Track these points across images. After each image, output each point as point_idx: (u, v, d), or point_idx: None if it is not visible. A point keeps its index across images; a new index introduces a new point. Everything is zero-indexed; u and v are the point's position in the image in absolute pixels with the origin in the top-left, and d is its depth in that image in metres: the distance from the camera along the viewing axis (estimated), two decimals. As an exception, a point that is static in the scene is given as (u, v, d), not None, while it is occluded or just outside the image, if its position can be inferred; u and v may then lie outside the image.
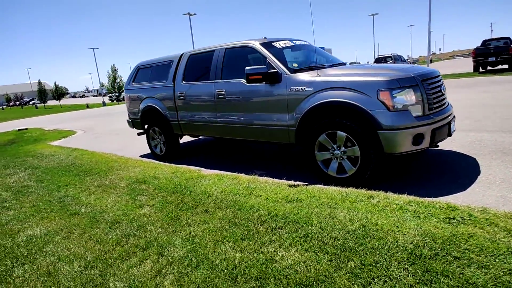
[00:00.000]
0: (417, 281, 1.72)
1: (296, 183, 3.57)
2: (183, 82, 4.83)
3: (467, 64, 24.17)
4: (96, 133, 10.67)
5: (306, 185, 3.46)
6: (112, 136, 9.54)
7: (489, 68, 17.39)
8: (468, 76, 16.04)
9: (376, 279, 1.77)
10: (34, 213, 3.54)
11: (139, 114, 5.70)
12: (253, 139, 4.16)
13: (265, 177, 3.89)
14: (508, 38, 16.89)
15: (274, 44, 4.01)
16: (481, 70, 17.41)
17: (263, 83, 3.76)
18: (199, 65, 4.67)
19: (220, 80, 4.27)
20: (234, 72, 4.20)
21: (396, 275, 1.78)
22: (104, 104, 32.68)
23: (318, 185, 3.42)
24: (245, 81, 3.97)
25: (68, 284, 2.10)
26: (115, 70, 36.29)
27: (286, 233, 2.42)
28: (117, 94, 36.47)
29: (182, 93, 4.81)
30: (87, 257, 2.42)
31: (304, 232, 2.39)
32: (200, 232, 2.64)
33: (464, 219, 2.31)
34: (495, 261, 1.76)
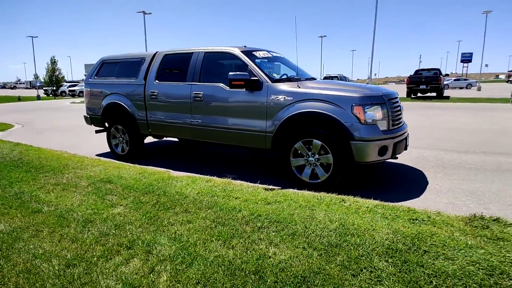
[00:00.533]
0: (398, 270, 1.97)
1: (271, 187, 3.74)
2: (156, 81, 4.72)
3: (400, 90, 27.17)
4: (38, 128, 9.68)
5: (281, 189, 3.64)
6: (57, 132, 8.74)
7: (419, 94, 19.81)
8: (402, 101, 18.06)
9: (364, 270, 1.99)
10: (-14, 210, 3.16)
11: (101, 110, 5.38)
12: (227, 143, 4.23)
13: (239, 181, 3.98)
14: (438, 69, 19.49)
15: (254, 53, 4.18)
16: (412, 96, 19.76)
17: (244, 89, 3.89)
18: (175, 65, 4.63)
19: (198, 83, 4.29)
20: (212, 76, 4.26)
21: (379, 266, 2.02)
22: (38, 97, 29.49)
23: (292, 189, 3.63)
24: (225, 86, 4.07)
25: (53, 281, 1.95)
26: (54, 62, 33.06)
27: (273, 232, 2.55)
28: (54, 88, 33.20)
29: (154, 92, 4.69)
30: (66, 256, 2.26)
31: (290, 230, 2.54)
32: (185, 231, 2.63)
33: (424, 220, 2.68)
34: (458, 254, 2.11)
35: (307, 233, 2.49)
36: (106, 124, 5.51)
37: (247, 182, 3.95)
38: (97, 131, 5.99)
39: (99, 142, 7.10)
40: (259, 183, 3.86)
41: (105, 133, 5.53)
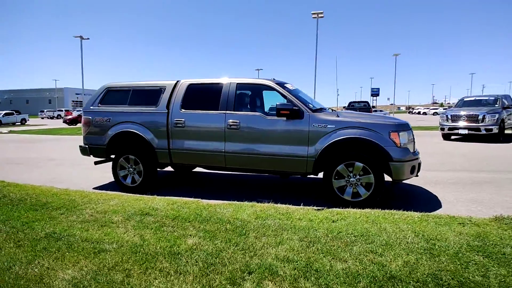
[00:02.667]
0: (490, 262, 2.48)
1: (315, 208, 4.00)
2: (183, 110, 4.69)
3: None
4: (-23, 163, 8.18)
5: (326, 208, 3.94)
6: (12, 166, 7.54)
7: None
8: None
9: (471, 263, 2.43)
10: (40, 254, 2.75)
11: (107, 139, 5.02)
12: (265, 169, 4.41)
13: (281, 204, 4.15)
14: (367, 101, 22.77)
15: (286, 85, 4.57)
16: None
17: (284, 118, 4.20)
18: (202, 95, 4.71)
19: (233, 112, 4.45)
20: (246, 106, 4.50)
21: (478, 259, 2.49)
22: None
23: (336, 208, 3.94)
24: (263, 114, 4.34)
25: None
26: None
27: (368, 244, 2.83)
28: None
29: (181, 120, 4.64)
30: None
31: (382, 241, 2.86)
32: (287, 252, 2.74)
33: (468, 223, 3.30)
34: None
35: (398, 242, 2.85)
36: (111, 155, 5.15)
37: (286, 205, 4.15)
38: (97, 162, 5.49)
39: (79, 174, 6.47)
40: (302, 205, 4.10)
41: (112, 164, 5.13)
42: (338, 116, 4.11)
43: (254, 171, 4.51)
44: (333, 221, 3.44)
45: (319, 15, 22.61)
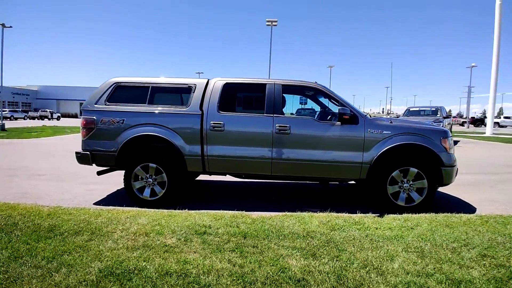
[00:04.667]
0: None
1: (375, 215, 3.90)
2: (220, 111, 4.14)
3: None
4: None
5: (384, 214, 3.88)
6: None
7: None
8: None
9: None
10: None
11: (119, 145, 4.15)
12: (316, 176, 4.14)
13: (336, 213, 3.94)
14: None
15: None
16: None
17: (339, 123, 4.03)
18: (241, 95, 4.25)
19: (281, 115, 4.09)
20: (295, 109, 4.19)
21: None
22: None
23: (392, 215, 3.90)
24: (315, 119, 4.10)
25: None
26: None
27: (467, 248, 2.83)
28: None
29: (219, 123, 4.08)
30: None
31: (475, 243, 2.90)
32: (419, 265, 2.56)
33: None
34: None
35: (497, 243, 2.93)
36: (124, 164, 4.27)
37: (343, 213, 3.97)
38: (101, 172, 4.50)
39: (49, 187, 5.25)
40: (359, 213, 3.96)
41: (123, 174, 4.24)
42: (392, 122, 4.12)
43: (301, 179, 4.23)
44: (411, 228, 3.38)
45: (273, 23, 23.18)
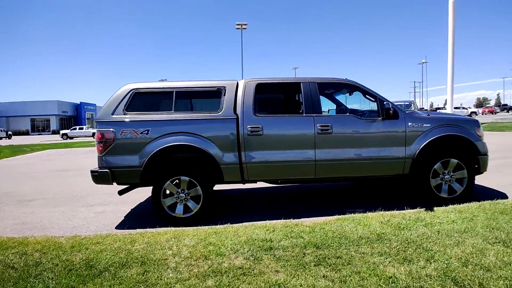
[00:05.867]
0: None
1: (421, 209, 3.83)
2: (257, 114, 3.82)
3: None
4: None
5: (430, 209, 3.83)
6: None
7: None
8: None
9: None
10: None
11: (144, 159, 3.67)
12: (360, 175, 3.97)
13: (384, 211, 3.82)
14: None
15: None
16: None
17: (380, 119, 3.92)
18: (275, 96, 3.97)
19: (321, 115, 3.88)
20: (338, 106, 4.01)
21: None
22: None
23: (442, 207, 3.86)
24: (355, 116, 3.96)
25: None
26: None
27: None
28: None
29: (257, 127, 3.76)
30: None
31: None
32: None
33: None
34: None
35: None
36: (150, 179, 3.79)
37: (391, 211, 3.86)
38: (122, 192, 3.95)
39: (50, 214, 4.56)
40: (409, 209, 3.87)
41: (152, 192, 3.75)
42: (429, 115, 4.11)
43: (344, 180, 4.06)
44: (471, 219, 3.34)
45: (243, 26, 23.00)
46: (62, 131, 35.33)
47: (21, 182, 7.41)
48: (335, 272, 2.42)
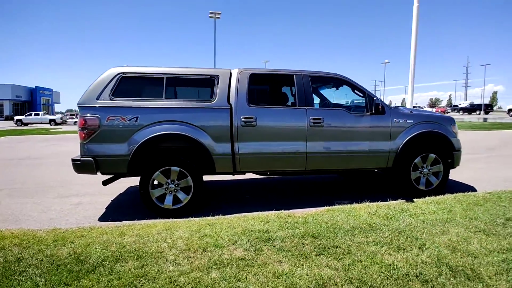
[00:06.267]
0: None
1: (402, 200, 4.04)
2: (250, 104, 3.76)
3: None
4: None
5: (410, 200, 4.06)
6: None
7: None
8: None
9: None
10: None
11: (132, 147, 3.48)
12: (348, 168, 4.08)
13: (369, 203, 3.99)
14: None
15: None
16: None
17: (368, 114, 4.05)
18: (269, 87, 3.93)
19: (313, 107, 3.91)
20: (323, 100, 4.05)
21: None
22: None
23: (421, 199, 4.08)
24: (346, 110, 4.05)
25: None
26: None
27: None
28: None
29: (251, 118, 3.70)
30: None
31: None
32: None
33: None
34: None
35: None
36: (137, 170, 3.61)
37: (377, 202, 4.03)
38: (107, 182, 3.72)
39: (26, 205, 4.22)
40: (380, 202, 4.04)
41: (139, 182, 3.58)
42: (412, 112, 4.31)
43: (332, 172, 4.16)
44: (449, 210, 3.58)
45: (216, 16, 22.43)
46: (16, 117, 32.51)
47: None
48: (337, 261, 2.49)
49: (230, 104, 3.73)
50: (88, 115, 3.44)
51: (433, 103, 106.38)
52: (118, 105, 3.50)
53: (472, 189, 4.72)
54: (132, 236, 3.02)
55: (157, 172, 3.57)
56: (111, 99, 3.52)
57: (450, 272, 2.30)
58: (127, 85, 3.62)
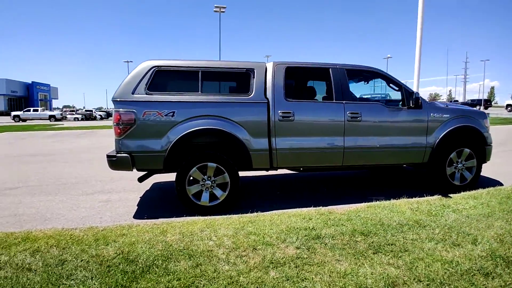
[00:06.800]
0: None
1: (438, 196, 3.99)
2: (288, 99, 3.66)
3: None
4: None
5: (446, 196, 4.00)
6: None
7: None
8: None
9: None
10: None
11: (169, 143, 3.38)
12: (384, 163, 4.01)
13: (409, 198, 3.92)
14: None
15: None
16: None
17: (405, 108, 3.97)
18: (304, 80, 3.84)
19: (351, 102, 3.82)
20: (357, 94, 3.97)
21: None
22: None
23: (458, 194, 4.03)
24: (382, 104, 3.96)
25: None
26: None
27: None
28: None
29: (289, 113, 3.61)
30: None
31: None
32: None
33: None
34: None
35: None
36: (173, 166, 3.51)
37: (412, 198, 3.97)
38: (143, 178, 3.61)
39: (52, 204, 4.11)
40: (435, 196, 4.01)
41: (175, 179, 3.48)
42: (447, 106, 4.24)
43: (369, 167, 4.09)
44: (487, 205, 3.53)
45: (221, 10, 22.16)
46: (13, 113, 32.07)
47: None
48: (397, 259, 2.42)
49: (267, 98, 3.63)
50: (124, 110, 3.33)
51: (433, 98, 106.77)
52: (154, 99, 3.39)
53: (498, 183, 4.69)
54: (175, 234, 2.93)
55: (194, 168, 3.47)
56: (146, 93, 3.41)
57: (504, 263, 2.32)
58: (161, 79, 3.51)
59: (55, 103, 66.66)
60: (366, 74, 4.34)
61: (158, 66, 3.51)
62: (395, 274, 2.21)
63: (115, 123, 3.36)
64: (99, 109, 61.16)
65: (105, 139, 12.32)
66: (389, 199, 3.86)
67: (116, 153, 3.39)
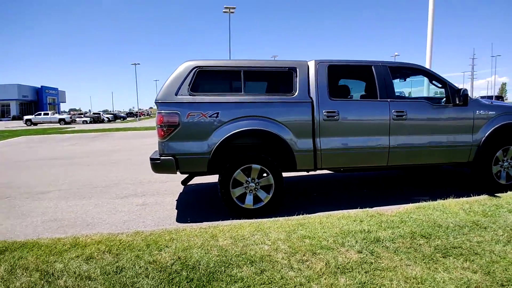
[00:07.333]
0: None
1: (487, 196, 3.86)
2: (332, 98, 3.56)
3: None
4: None
5: (493, 195, 3.87)
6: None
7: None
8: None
9: None
10: None
11: (214, 145, 3.30)
12: (429, 163, 3.89)
13: (454, 199, 3.80)
14: None
15: None
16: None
17: (451, 105, 3.85)
18: (347, 79, 3.73)
19: (396, 100, 3.71)
20: (401, 92, 3.85)
21: None
22: None
23: (507, 193, 3.91)
24: (428, 102, 3.85)
25: None
26: None
27: None
28: None
29: (333, 112, 3.51)
30: None
31: None
32: None
33: None
34: None
35: None
36: (217, 168, 3.44)
37: (459, 198, 3.85)
38: (186, 181, 3.55)
39: (89, 208, 4.05)
40: (478, 195, 3.88)
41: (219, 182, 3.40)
42: (492, 103, 4.11)
43: (414, 167, 3.97)
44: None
45: (231, 10, 22.13)
46: (25, 117, 32.40)
47: (15, 172, 6.59)
48: (470, 263, 2.30)
49: (311, 98, 3.53)
50: (168, 111, 3.25)
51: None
52: (198, 100, 3.31)
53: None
54: (226, 239, 2.85)
55: (238, 170, 3.38)
56: (190, 95, 3.33)
57: None
58: (204, 79, 3.43)
59: (62, 107, 67.24)
60: (408, 71, 4.22)
61: (199, 66, 3.43)
62: (475, 279, 2.10)
63: (158, 125, 3.29)
64: (105, 111, 61.53)
65: (120, 142, 12.32)
66: (435, 200, 3.74)
67: (160, 156, 3.32)
